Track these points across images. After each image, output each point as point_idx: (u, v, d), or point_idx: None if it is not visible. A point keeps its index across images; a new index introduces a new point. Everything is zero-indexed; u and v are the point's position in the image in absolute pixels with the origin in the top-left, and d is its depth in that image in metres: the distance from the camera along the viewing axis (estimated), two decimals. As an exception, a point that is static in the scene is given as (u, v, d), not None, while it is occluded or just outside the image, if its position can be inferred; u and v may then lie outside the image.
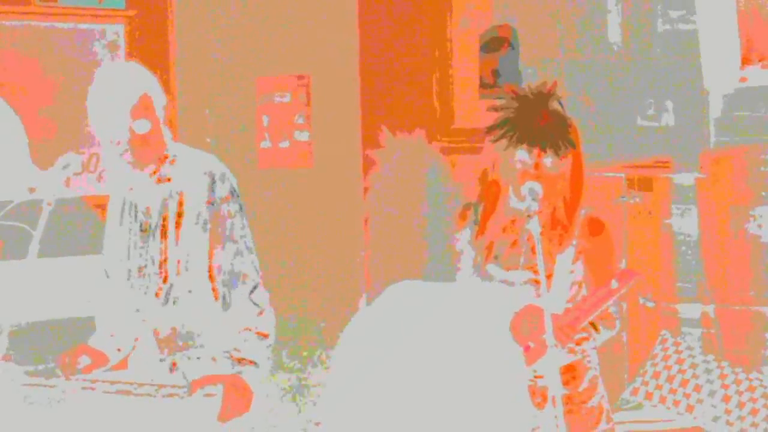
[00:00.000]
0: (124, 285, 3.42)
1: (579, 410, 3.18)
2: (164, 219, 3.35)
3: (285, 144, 5.91)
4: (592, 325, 3.12)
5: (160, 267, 3.35)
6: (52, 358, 3.80)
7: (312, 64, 5.78)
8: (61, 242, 5.17)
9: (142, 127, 3.27)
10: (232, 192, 3.35)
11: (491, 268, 3.16)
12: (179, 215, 3.34)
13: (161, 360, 3.38)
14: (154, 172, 3.35)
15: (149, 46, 5.90)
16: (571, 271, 3.16)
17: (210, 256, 3.31)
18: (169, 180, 3.36)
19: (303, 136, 5.85)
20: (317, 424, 5.06)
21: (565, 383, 3.15)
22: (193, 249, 3.32)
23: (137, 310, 3.40)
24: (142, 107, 3.27)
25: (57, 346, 4.76)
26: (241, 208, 3.36)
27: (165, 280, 3.35)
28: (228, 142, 5.85)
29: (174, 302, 3.35)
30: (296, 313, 5.35)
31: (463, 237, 3.20)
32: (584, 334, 3.12)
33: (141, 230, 3.39)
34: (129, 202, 3.41)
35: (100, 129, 3.32)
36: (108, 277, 3.50)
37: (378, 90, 5.60)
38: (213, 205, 3.32)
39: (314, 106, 5.81)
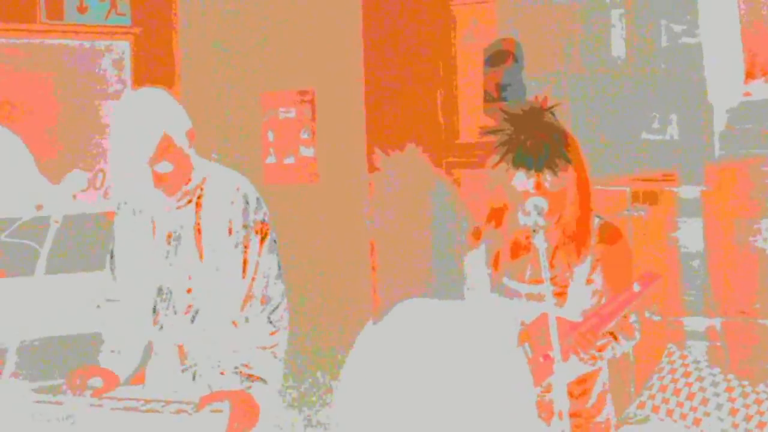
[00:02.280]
0: (143, 302, 3.42)
1: (587, 425, 3.18)
2: (191, 240, 3.34)
3: (290, 160, 5.92)
4: (612, 335, 3.12)
5: (189, 286, 3.35)
6: (59, 374, 3.81)
7: (317, 79, 5.79)
8: (68, 259, 5.18)
9: (164, 168, 3.26)
10: (265, 217, 3.34)
11: (508, 282, 3.16)
12: (208, 236, 3.33)
13: (183, 370, 3.38)
14: (183, 197, 3.34)
15: (155, 62, 5.92)
16: (590, 281, 3.15)
17: (242, 278, 3.30)
18: (199, 201, 3.35)
19: (308, 152, 5.86)
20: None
21: (575, 398, 3.15)
22: (222, 270, 3.31)
23: (161, 327, 3.40)
24: (162, 151, 3.25)
25: (65, 363, 4.77)
26: (272, 234, 3.35)
27: (191, 299, 3.35)
28: (233, 158, 5.86)
29: (198, 320, 3.35)
30: (300, 330, 5.35)
31: (477, 256, 3.20)
32: (605, 341, 3.11)
33: (167, 251, 3.39)
34: (151, 222, 3.40)
35: (122, 174, 3.32)
36: (112, 289, 3.49)
37: (383, 104, 5.61)
38: (246, 228, 3.30)
39: (319, 122, 5.82)
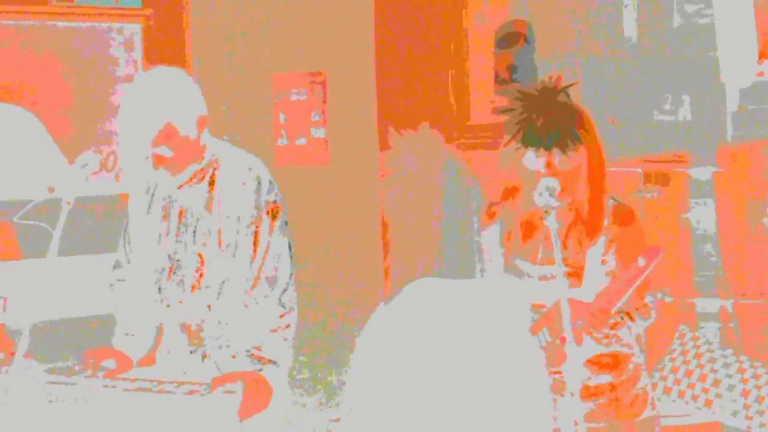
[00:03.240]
0: (153, 281, 3.43)
1: (623, 397, 3.18)
2: (203, 218, 3.34)
3: (302, 141, 5.92)
4: (628, 315, 3.11)
5: (199, 265, 3.36)
6: (73, 355, 3.83)
7: (328, 60, 5.79)
8: (80, 241, 5.19)
9: (163, 152, 3.26)
10: (277, 198, 3.34)
11: (520, 263, 3.16)
12: (219, 216, 3.33)
13: (192, 352, 3.39)
14: (192, 177, 3.34)
15: (165, 44, 5.92)
16: (604, 262, 3.15)
17: (252, 260, 3.30)
18: (212, 179, 3.35)
19: (319, 134, 5.86)
20: (336, 421, 5.07)
21: (608, 370, 3.15)
22: (233, 250, 3.32)
23: (168, 306, 3.41)
24: (162, 138, 3.24)
25: (78, 344, 4.78)
26: (284, 215, 3.35)
27: (200, 277, 3.36)
28: (244, 140, 5.86)
29: (207, 299, 3.35)
30: (312, 311, 5.35)
31: (492, 234, 3.20)
32: (618, 319, 3.10)
33: (178, 229, 3.39)
34: (164, 200, 3.41)
35: (126, 148, 3.33)
36: (124, 268, 3.50)
37: (394, 86, 5.60)
38: (258, 209, 3.30)
39: (330, 103, 5.82)
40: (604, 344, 3.15)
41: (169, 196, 3.40)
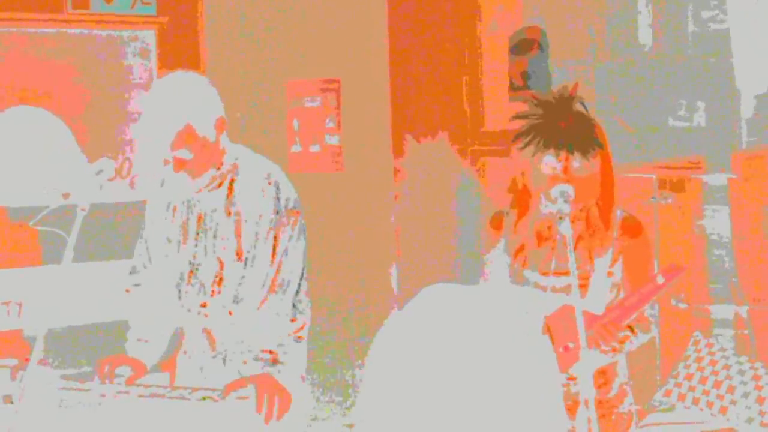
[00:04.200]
0: (172, 285, 3.44)
1: (610, 415, 3.17)
2: (222, 223, 3.36)
3: (316, 148, 5.93)
4: (630, 328, 3.10)
5: (218, 269, 3.36)
6: (87, 362, 3.84)
7: (342, 67, 5.80)
8: (95, 247, 5.21)
9: (183, 155, 3.28)
10: (296, 204, 3.35)
11: (528, 273, 3.14)
12: (238, 221, 3.34)
13: (213, 357, 3.39)
14: (211, 182, 3.35)
15: (180, 51, 5.94)
16: (610, 274, 3.14)
17: (270, 265, 3.31)
18: (231, 185, 3.36)
19: (333, 140, 5.87)
20: (351, 426, 5.07)
21: (597, 387, 3.13)
22: (251, 255, 3.32)
23: (188, 310, 3.42)
24: (181, 140, 3.26)
25: (92, 351, 4.80)
26: (302, 220, 3.36)
27: (220, 282, 3.37)
28: (258, 146, 5.87)
29: (225, 303, 3.36)
30: (326, 317, 5.36)
31: (499, 250, 3.18)
32: (627, 332, 3.09)
33: (197, 233, 3.40)
34: (183, 205, 3.42)
35: (146, 152, 3.35)
36: (140, 273, 3.51)
37: (408, 93, 5.61)
38: (277, 215, 3.31)
39: (344, 110, 5.83)
40: (609, 356, 3.14)
41: (188, 201, 3.41)
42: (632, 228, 3.16)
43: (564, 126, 3.04)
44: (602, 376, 3.17)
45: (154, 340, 3.46)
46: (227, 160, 3.36)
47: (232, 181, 3.36)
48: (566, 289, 3.06)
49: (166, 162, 3.29)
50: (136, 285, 3.53)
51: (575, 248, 3.09)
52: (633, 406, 3.24)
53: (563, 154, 3.03)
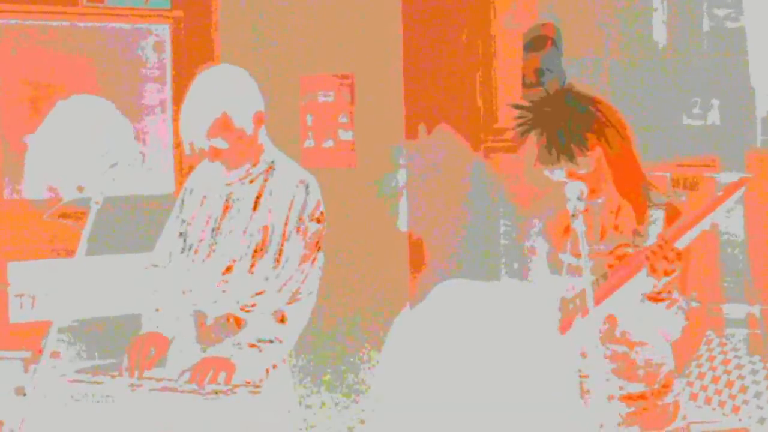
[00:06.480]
0: (189, 269, 3.45)
1: (654, 407, 3.15)
2: (246, 219, 3.37)
3: (329, 143, 5.93)
4: (684, 290, 3.02)
5: (231, 263, 3.38)
6: (99, 355, 3.84)
7: (356, 63, 5.80)
8: (109, 240, 5.22)
9: (219, 144, 3.30)
10: (323, 214, 3.39)
11: (563, 256, 3.14)
12: (263, 219, 3.36)
13: (203, 350, 3.40)
14: (245, 176, 3.37)
15: (194, 45, 5.95)
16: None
17: (283, 267, 3.33)
18: (263, 183, 3.38)
19: (347, 136, 5.87)
20: (362, 422, 5.07)
21: (641, 380, 3.12)
22: (270, 253, 3.34)
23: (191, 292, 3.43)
24: (217, 128, 3.29)
25: (104, 344, 4.82)
26: (322, 233, 3.39)
27: (229, 272, 3.38)
28: (271, 141, 5.88)
29: (240, 295, 3.38)
30: (339, 313, 5.36)
31: (534, 228, 3.19)
32: (673, 266, 2.98)
33: (220, 223, 3.42)
34: (217, 195, 3.44)
35: (184, 140, 3.37)
36: (162, 256, 3.52)
37: (421, 89, 5.61)
38: (303, 222, 3.34)
39: (358, 105, 5.83)
40: (658, 287, 3.01)
41: (218, 191, 3.43)
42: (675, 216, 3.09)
43: (546, 139, 3.02)
44: (648, 367, 3.13)
45: (169, 312, 3.45)
46: (264, 158, 3.40)
47: (265, 181, 3.39)
48: (579, 270, 3.02)
49: (199, 151, 3.31)
50: (155, 265, 3.54)
51: (603, 238, 3.09)
52: (680, 397, 3.20)
53: (557, 165, 3.03)
